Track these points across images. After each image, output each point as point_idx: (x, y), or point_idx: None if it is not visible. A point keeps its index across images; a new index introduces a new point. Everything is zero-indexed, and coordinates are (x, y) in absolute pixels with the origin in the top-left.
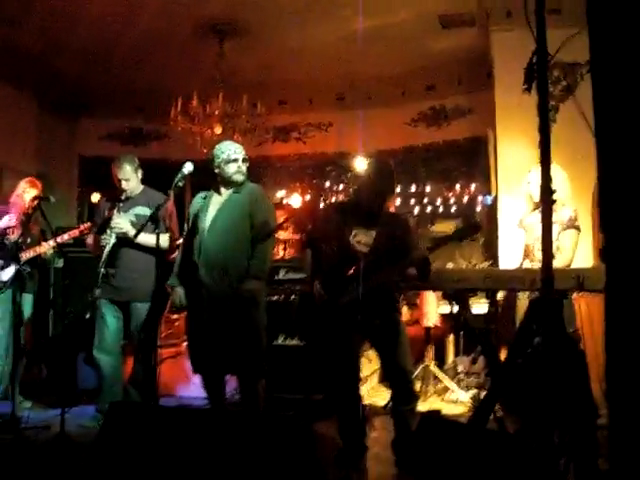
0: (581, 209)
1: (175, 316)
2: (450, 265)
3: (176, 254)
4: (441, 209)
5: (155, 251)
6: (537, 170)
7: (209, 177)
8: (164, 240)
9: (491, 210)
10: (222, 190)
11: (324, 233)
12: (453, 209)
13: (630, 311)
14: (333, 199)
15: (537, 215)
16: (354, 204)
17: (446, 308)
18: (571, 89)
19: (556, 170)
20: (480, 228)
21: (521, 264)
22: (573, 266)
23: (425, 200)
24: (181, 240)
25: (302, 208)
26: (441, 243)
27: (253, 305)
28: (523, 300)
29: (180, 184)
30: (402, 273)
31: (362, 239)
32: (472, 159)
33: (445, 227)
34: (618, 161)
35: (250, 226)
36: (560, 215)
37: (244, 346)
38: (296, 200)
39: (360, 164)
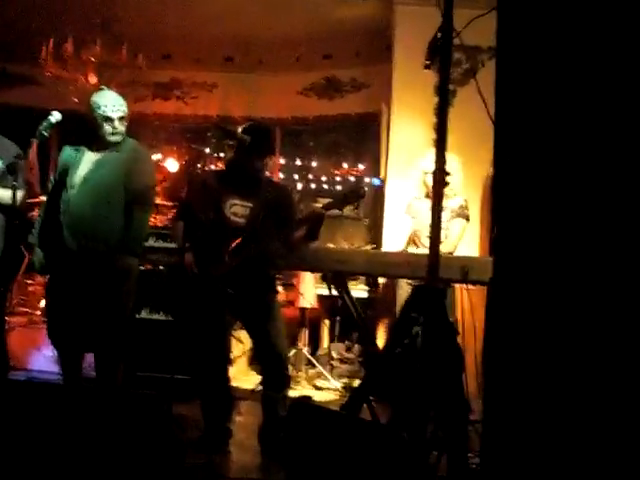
0: (471, 199)
1: (30, 281)
2: (330, 245)
3: (37, 211)
4: (326, 187)
5: (9, 207)
6: (432, 156)
7: (80, 131)
8: (20, 196)
9: (378, 193)
10: (97, 146)
11: (199, 202)
12: (338, 187)
13: (512, 306)
14: (212, 167)
15: (427, 202)
16: (231, 171)
17: (323, 290)
18: (471, 73)
19: (450, 156)
20: (364, 194)
21: (405, 249)
22: (458, 254)
23: (310, 176)
24: (43, 197)
25: (178, 173)
26: (331, 205)
27: (124, 284)
28: (405, 287)
29: (45, 133)
30: (287, 241)
31: (238, 210)
32: (363, 136)
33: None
34: (515, 152)
35: (127, 190)
36: (451, 203)
37: (108, 326)
38: (172, 164)
39: (243, 131)
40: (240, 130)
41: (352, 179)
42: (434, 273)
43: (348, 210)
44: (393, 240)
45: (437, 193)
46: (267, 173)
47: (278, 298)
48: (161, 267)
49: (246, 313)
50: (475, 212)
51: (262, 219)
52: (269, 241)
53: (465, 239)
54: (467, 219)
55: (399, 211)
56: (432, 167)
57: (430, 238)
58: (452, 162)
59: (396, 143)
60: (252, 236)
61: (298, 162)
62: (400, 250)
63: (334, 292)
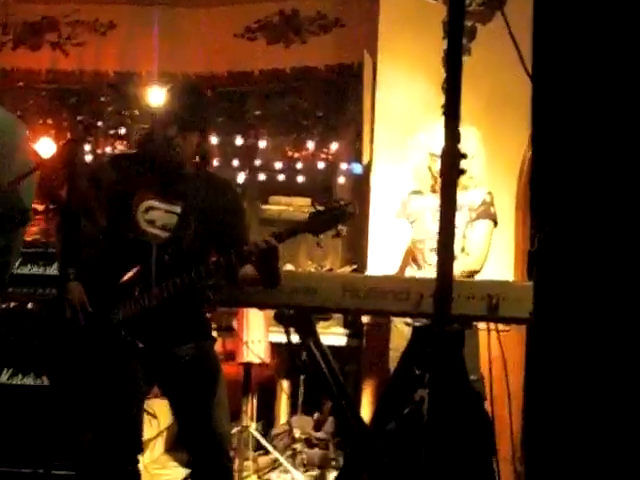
0: (500, 191)
1: None
2: (289, 268)
3: None
4: (281, 178)
5: None
6: (440, 129)
7: None
8: None
9: (360, 186)
10: None
11: (90, 204)
12: (300, 179)
13: (566, 356)
14: (109, 149)
15: (433, 198)
16: (145, 158)
17: (279, 336)
18: (497, 4)
19: (468, 130)
20: (353, 214)
21: (402, 270)
22: (482, 277)
23: (257, 162)
24: None
25: (55, 160)
26: (294, 231)
27: None
28: (402, 329)
29: None
30: (229, 274)
31: (158, 217)
32: (337, 101)
33: (285, 206)
34: (566, 121)
35: None
36: (469, 198)
37: None
38: (47, 147)
39: (156, 94)
40: (164, 97)
41: (321, 166)
42: (445, 307)
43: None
44: (383, 257)
45: (448, 184)
46: (202, 160)
47: (215, 351)
48: (31, 305)
49: (166, 376)
50: (506, 211)
51: (195, 231)
52: (206, 267)
53: (492, 253)
54: (494, 221)
55: (391, 213)
56: (440, 146)
57: (438, 253)
58: (470, 138)
59: (386, 111)
60: (176, 259)
61: (238, 141)
62: (394, 273)
63: (295, 339)
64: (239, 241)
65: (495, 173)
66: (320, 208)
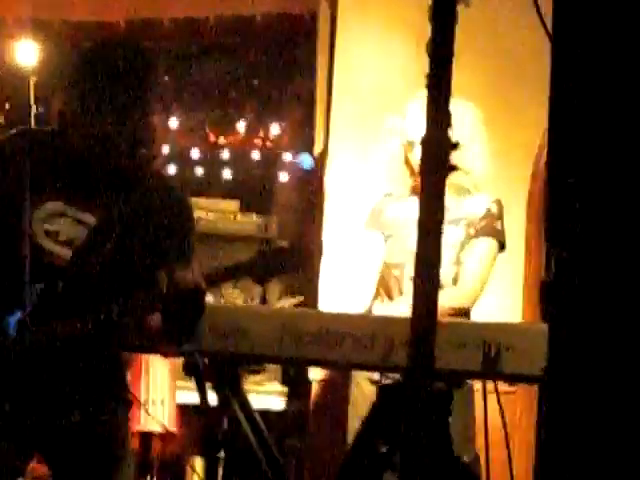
0: (506, 199)
1: None
2: (206, 299)
3: None
4: (199, 171)
5: None
6: (421, 107)
7: None
8: None
9: (309, 185)
10: None
11: None
12: (226, 174)
13: (590, 425)
14: None
15: (414, 203)
16: (54, 146)
17: (190, 395)
18: None
19: (463, 107)
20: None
21: (369, 307)
22: (478, 316)
23: (164, 148)
24: None
25: None
26: (232, 274)
27: None
28: (365, 388)
29: None
30: (142, 314)
31: (62, 228)
32: (279, 67)
33: (203, 212)
34: (590, 98)
35: None
36: (468, 207)
37: None
38: None
39: (27, 50)
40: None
41: (256, 156)
42: (425, 358)
43: (245, 223)
44: (340, 287)
45: (431, 184)
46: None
47: (126, 420)
48: None
49: (55, 445)
50: (514, 225)
51: (113, 252)
52: (124, 306)
53: (495, 282)
54: (500, 241)
55: (353, 223)
56: (421, 131)
57: (416, 281)
58: (466, 119)
59: (348, 82)
60: (81, 287)
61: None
62: (357, 308)
63: (213, 399)
64: (164, 273)
65: (500, 172)
66: (265, 249)
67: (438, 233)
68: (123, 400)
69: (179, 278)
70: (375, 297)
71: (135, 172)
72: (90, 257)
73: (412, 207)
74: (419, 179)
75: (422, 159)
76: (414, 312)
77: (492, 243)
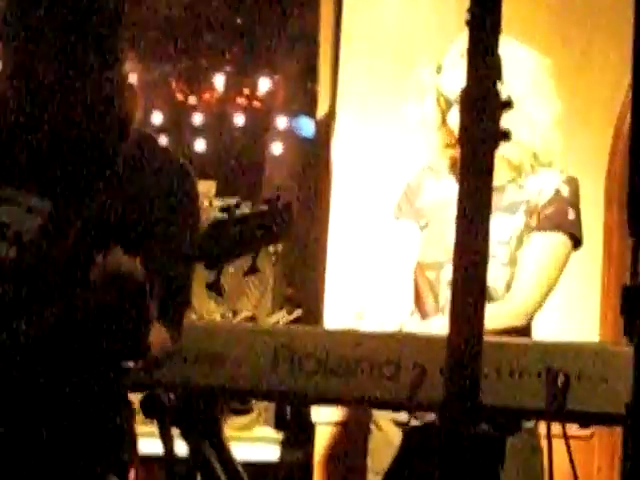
0: (585, 178)
1: None
2: None
3: None
4: (163, 142)
5: None
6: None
7: None
8: None
9: (311, 159)
10: None
11: None
12: (199, 144)
13: None
14: None
15: (452, 182)
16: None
17: (151, 444)
18: None
19: (519, 49)
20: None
21: (401, 325)
22: (539, 335)
23: (124, 110)
24: None
25: None
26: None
27: None
28: (388, 432)
29: None
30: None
31: (11, 217)
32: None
33: None
34: None
35: None
36: (528, 187)
37: None
38: None
39: None
40: None
41: (239, 120)
42: (468, 391)
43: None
44: (350, 296)
45: (474, 158)
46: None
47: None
48: None
49: None
50: (589, 213)
51: (75, 249)
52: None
53: (564, 290)
54: (572, 235)
55: (369, 210)
56: (461, 84)
57: (454, 289)
58: (525, 67)
59: (360, 23)
60: (28, 294)
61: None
62: (396, 325)
63: (182, 448)
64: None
65: (571, 141)
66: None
67: (484, 223)
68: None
69: (107, 262)
70: (416, 307)
71: (104, 141)
72: (43, 252)
73: (451, 188)
74: (459, 149)
75: (461, 122)
76: (452, 329)
77: (560, 239)
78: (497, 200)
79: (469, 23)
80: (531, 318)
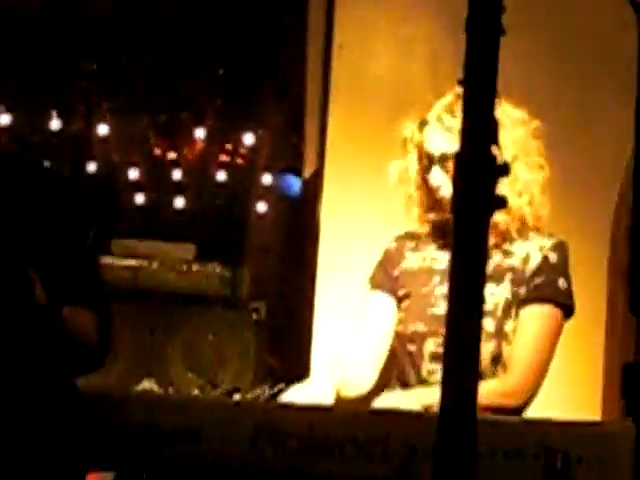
0: (583, 244)
1: None
2: (145, 385)
3: None
4: (139, 200)
5: None
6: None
7: None
8: None
9: (296, 219)
10: None
11: None
12: (179, 202)
13: None
14: None
15: (439, 252)
16: None
17: None
18: None
19: (508, 113)
20: None
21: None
22: (536, 412)
23: (89, 166)
24: None
25: None
26: None
27: None
28: None
29: None
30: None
31: None
32: (255, 46)
33: (142, 260)
34: None
35: None
36: (514, 253)
37: None
38: None
39: None
40: None
41: (221, 177)
42: (461, 472)
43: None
44: (336, 366)
45: (468, 227)
46: None
47: None
48: None
49: None
50: (589, 281)
51: None
52: None
53: (561, 363)
54: (564, 305)
55: (358, 274)
56: (443, 144)
57: (446, 364)
58: (515, 128)
59: (350, 72)
60: None
61: (54, 123)
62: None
63: None
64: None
65: (566, 204)
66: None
67: (478, 294)
68: None
69: None
70: (388, 381)
71: None
72: None
73: (432, 255)
74: (441, 213)
75: (455, 188)
76: (443, 405)
77: (551, 312)
78: None
79: (464, 83)
80: (529, 396)
